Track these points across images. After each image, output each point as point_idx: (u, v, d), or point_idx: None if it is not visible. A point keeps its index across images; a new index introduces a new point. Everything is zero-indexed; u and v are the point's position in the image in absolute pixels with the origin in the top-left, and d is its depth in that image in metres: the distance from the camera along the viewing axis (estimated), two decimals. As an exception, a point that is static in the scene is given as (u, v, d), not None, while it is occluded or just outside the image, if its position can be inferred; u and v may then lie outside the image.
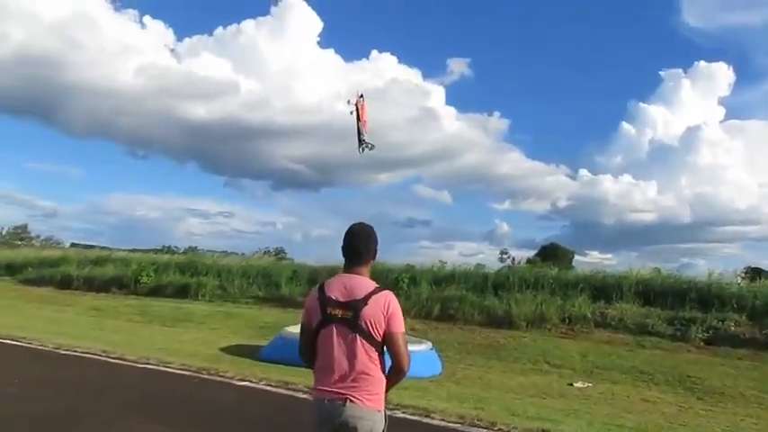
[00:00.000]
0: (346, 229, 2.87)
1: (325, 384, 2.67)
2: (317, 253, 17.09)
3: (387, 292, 2.72)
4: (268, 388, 7.15)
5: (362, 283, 2.72)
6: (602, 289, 14.27)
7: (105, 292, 20.25)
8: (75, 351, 9.25)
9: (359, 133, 12.45)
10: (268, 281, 18.62)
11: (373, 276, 2.84)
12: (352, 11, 75.31)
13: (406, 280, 15.91)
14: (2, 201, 79.80)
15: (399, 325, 2.68)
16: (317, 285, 2.83)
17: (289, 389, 7.11)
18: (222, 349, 10.64)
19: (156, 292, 19.37)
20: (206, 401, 6.41)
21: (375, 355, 2.66)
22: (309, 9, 59.44)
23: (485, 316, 13.68)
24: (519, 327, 12.94)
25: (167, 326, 14.53)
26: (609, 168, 59.74)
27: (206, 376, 7.68)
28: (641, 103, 58.39)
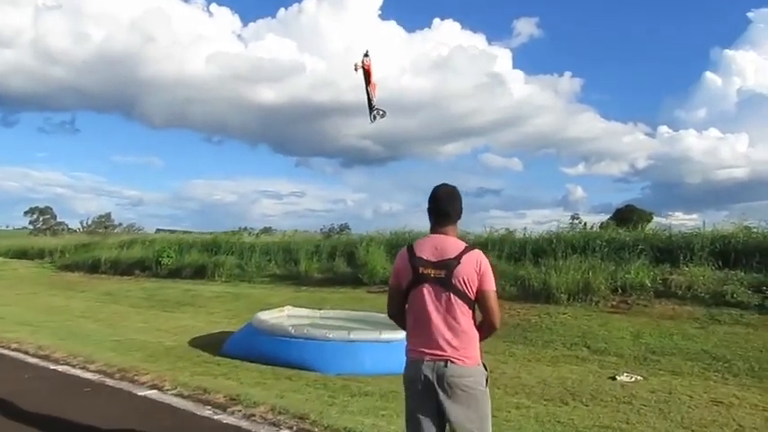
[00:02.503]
0: (431, 191, 2.87)
1: (422, 345, 2.69)
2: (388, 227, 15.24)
3: (477, 250, 2.75)
4: (173, 400, 5.33)
5: (453, 242, 2.75)
6: (668, 251, 11.55)
7: (129, 275, 19.46)
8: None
9: (368, 99, 10.66)
10: (288, 257, 17.04)
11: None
12: None
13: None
14: (93, 192, 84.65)
15: (491, 282, 2.72)
16: (406, 246, 2.85)
17: (199, 400, 5.26)
18: (193, 340, 9.01)
19: (176, 273, 18.30)
20: (60, 423, 4.67)
21: (468, 312, 2.69)
22: None
23: (518, 288, 11.35)
24: (559, 300, 10.55)
25: (167, 311, 13.22)
26: (692, 123, 54.17)
27: (110, 382, 5.97)
28: (726, 50, 52.34)
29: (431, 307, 2.67)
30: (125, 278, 19.09)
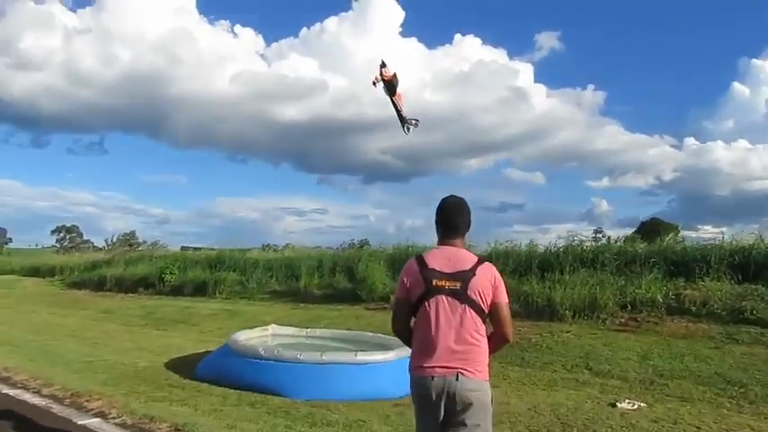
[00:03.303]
0: (439, 203, 2.86)
1: (432, 360, 2.63)
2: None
3: (489, 263, 2.75)
4: (113, 430, 4.85)
5: (465, 254, 2.75)
6: (683, 264, 10.77)
7: (133, 292, 19.19)
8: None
9: (396, 110, 10.25)
10: (290, 273, 16.57)
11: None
12: None
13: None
14: (120, 211, 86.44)
15: (505, 295, 2.74)
16: (415, 258, 2.80)
17: (141, 430, 4.76)
18: (172, 360, 8.54)
19: (178, 290, 17.96)
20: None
21: (482, 325, 2.67)
22: (390, 0, 57.62)
23: (521, 305, 10.67)
24: (563, 318, 9.86)
25: (160, 329, 12.83)
26: (720, 134, 52.71)
27: (55, 408, 5.52)
28: (755, 60, 50.69)
29: (443, 319, 2.64)
30: (128, 296, 18.82)
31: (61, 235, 61.01)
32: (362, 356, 6.43)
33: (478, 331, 2.67)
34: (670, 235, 14.17)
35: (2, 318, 14.57)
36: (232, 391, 6.40)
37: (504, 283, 8.20)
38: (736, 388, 6.63)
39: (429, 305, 2.67)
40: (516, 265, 12.45)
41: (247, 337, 8.53)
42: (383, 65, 10.13)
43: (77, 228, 60.35)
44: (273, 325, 9.26)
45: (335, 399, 6.11)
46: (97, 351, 9.41)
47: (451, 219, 2.83)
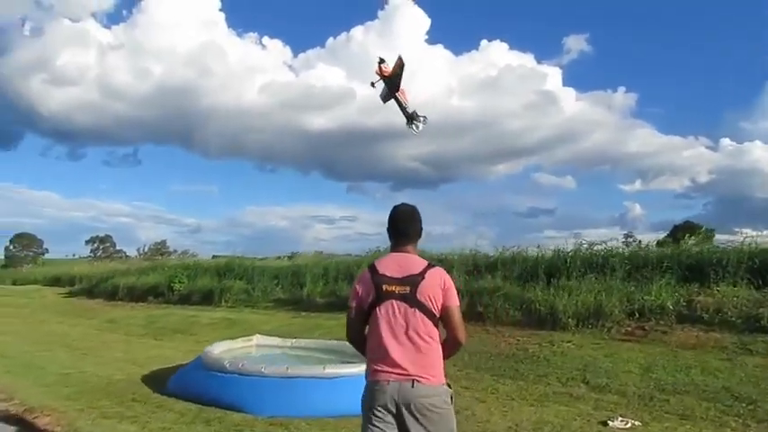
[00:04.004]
0: (390, 211, 2.88)
1: (386, 365, 2.60)
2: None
3: (439, 267, 2.73)
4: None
5: (415, 259, 2.74)
6: (698, 268, 10.06)
7: (143, 301, 19.15)
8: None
9: (401, 108, 9.77)
10: (295, 281, 16.26)
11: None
12: (457, 2, 72.34)
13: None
14: (152, 221, 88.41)
15: (456, 298, 2.71)
16: (368, 266, 2.80)
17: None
18: (152, 373, 8.23)
19: (186, 298, 17.83)
20: None
21: (434, 330, 2.64)
22: (416, 7, 57.59)
23: (524, 313, 10.12)
24: (566, 327, 9.27)
25: (158, 339, 12.66)
26: (758, 134, 50.58)
27: (-2, 426, 5.25)
28: (793, 58, 48.60)
29: (395, 324, 2.61)
30: (138, 305, 18.76)
31: (95, 245, 62.06)
32: (331, 370, 6.02)
33: (430, 335, 2.64)
34: (690, 237, 13.35)
35: (10, 328, 14.64)
36: (194, 407, 6.06)
37: (506, 290, 7.68)
38: (745, 405, 5.99)
39: (380, 310, 2.66)
40: (522, 271, 11.88)
41: (228, 349, 8.22)
42: (381, 61, 9.73)
43: (111, 238, 61.37)
44: (258, 335, 8.92)
45: (301, 415, 5.71)
46: (82, 362, 9.20)
47: (403, 226, 2.84)
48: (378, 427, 2.58)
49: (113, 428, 5.13)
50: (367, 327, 2.76)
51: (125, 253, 54.73)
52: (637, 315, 9.02)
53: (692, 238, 12.97)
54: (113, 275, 22.92)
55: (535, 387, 7.11)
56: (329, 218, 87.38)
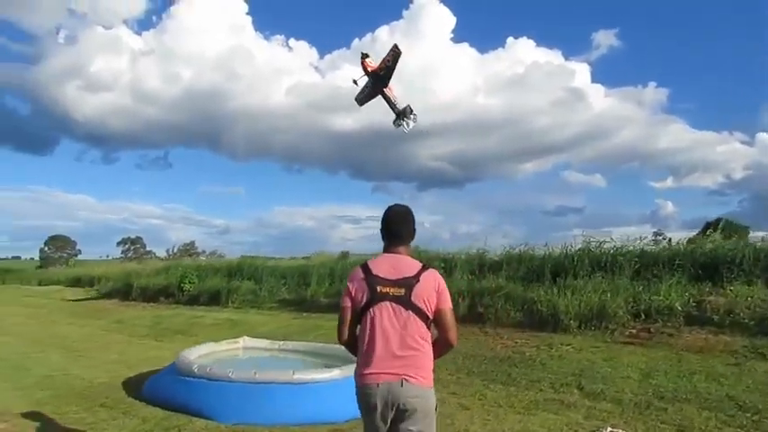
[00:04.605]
0: (384, 213, 2.88)
1: (377, 366, 2.61)
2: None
3: (434, 270, 2.76)
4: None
5: (409, 261, 2.75)
6: (712, 267, 9.50)
7: (155, 301, 19.19)
8: None
9: (391, 104, 9.52)
10: (302, 281, 16.05)
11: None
12: (483, 0, 71.63)
13: (440, 270, 12.26)
14: (183, 222, 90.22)
15: (449, 301, 2.74)
16: (360, 266, 2.79)
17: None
18: (136, 376, 8.03)
19: (195, 299, 17.78)
20: None
21: (426, 332, 2.67)
22: (441, 6, 57.17)
23: (525, 314, 9.69)
24: (568, 328, 8.82)
25: (158, 340, 12.50)
26: (796, 128, 48.52)
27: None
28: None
29: (388, 325, 2.63)
30: (150, 305, 18.78)
31: (126, 246, 63.24)
32: (300, 375, 5.71)
33: (423, 337, 2.67)
34: (709, 233, 12.66)
35: (18, 329, 14.74)
36: (161, 413, 5.83)
37: (508, 290, 7.36)
38: (749, 415, 5.49)
39: (374, 312, 2.66)
40: (528, 270, 11.44)
41: (211, 351, 8.01)
42: (365, 56, 9.43)
43: (141, 239, 62.51)
44: (245, 337, 8.68)
45: (268, 423, 5.43)
46: (72, 364, 9.07)
47: (396, 228, 2.84)
48: (374, 426, 2.65)
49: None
50: (358, 327, 2.78)
51: (154, 254, 55.58)
52: (643, 316, 8.54)
53: (714, 234, 12.32)
54: (129, 276, 23.10)
55: (525, 393, 6.68)
56: (355, 218, 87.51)
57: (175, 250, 45.89)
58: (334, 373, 5.81)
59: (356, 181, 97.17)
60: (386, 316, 2.64)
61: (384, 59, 9.18)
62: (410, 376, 2.59)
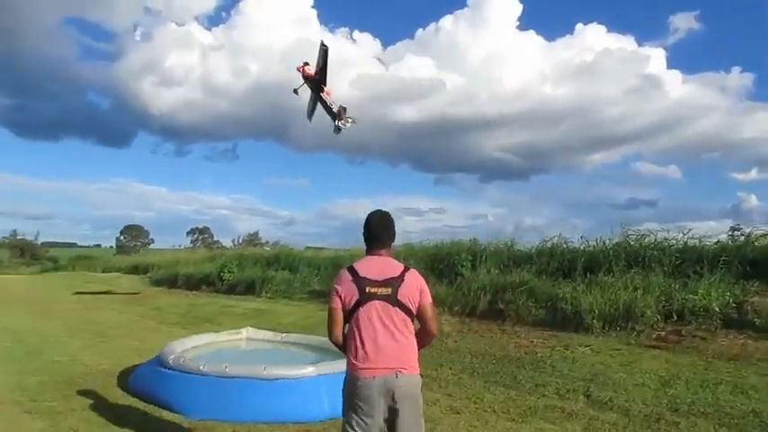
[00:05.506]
0: (365, 219, 3.13)
1: (373, 361, 2.83)
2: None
3: (414, 270, 3.04)
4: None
5: (393, 263, 3.02)
6: (763, 264, 8.51)
7: (197, 289, 19.57)
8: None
9: (327, 108, 9.52)
10: (335, 272, 15.81)
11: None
12: None
13: (467, 263, 11.70)
14: (249, 213, 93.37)
15: (429, 297, 3.03)
16: (347, 268, 3.04)
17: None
18: (128, 368, 7.99)
19: (233, 288, 17.98)
20: None
21: (410, 325, 2.95)
22: None
23: (548, 312, 9.02)
24: (591, 328, 8.11)
25: (185, 328, 12.52)
26: None
27: None
28: None
29: (378, 323, 2.87)
30: (192, 293, 19.15)
31: (195, 236, 65.77)
32: (271, 371, 5.39)
33: (410, 331, 2.95)
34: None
35: (62, 314, 15.25)
36: (133, 405, 5.67)
37: (532, 285, 8.51)
38: (776, 435, 4.74)
39: (364, 311, 2.89)
40: (559, 264, 10.68)
41: (211, 342, 7.86)
42: (306, 63, 9.46)
43: (209, 229, 64.83)
44: (249, 328, 8.48)
45: (235, 420, 5.15)
46: (85, 351, 9.16)
47: (377, 232, 3.09)
48: (363, 421, 2.82)
49: (19, 425, 4.81)
50: (347, 326, 2.99)
51: (221, 243, 57.42)
52: (675, 317, 7.71)
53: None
54: (177, 264, 23.71)
55: (526, 398, 6.10)
56: (417, 210, 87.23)
57: (240, 240, 47.20)
58: (309, 371, 5.47)
59: (418, 173, 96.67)
60: (375, 314, 2.88)
61: (317, 62, 9.16)
62: (403, 368, 2.85)
